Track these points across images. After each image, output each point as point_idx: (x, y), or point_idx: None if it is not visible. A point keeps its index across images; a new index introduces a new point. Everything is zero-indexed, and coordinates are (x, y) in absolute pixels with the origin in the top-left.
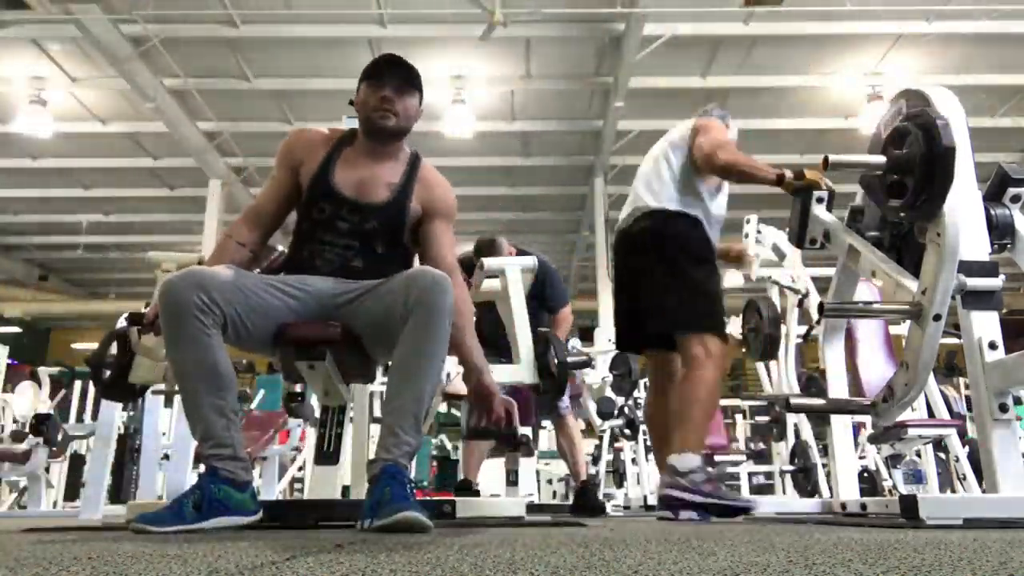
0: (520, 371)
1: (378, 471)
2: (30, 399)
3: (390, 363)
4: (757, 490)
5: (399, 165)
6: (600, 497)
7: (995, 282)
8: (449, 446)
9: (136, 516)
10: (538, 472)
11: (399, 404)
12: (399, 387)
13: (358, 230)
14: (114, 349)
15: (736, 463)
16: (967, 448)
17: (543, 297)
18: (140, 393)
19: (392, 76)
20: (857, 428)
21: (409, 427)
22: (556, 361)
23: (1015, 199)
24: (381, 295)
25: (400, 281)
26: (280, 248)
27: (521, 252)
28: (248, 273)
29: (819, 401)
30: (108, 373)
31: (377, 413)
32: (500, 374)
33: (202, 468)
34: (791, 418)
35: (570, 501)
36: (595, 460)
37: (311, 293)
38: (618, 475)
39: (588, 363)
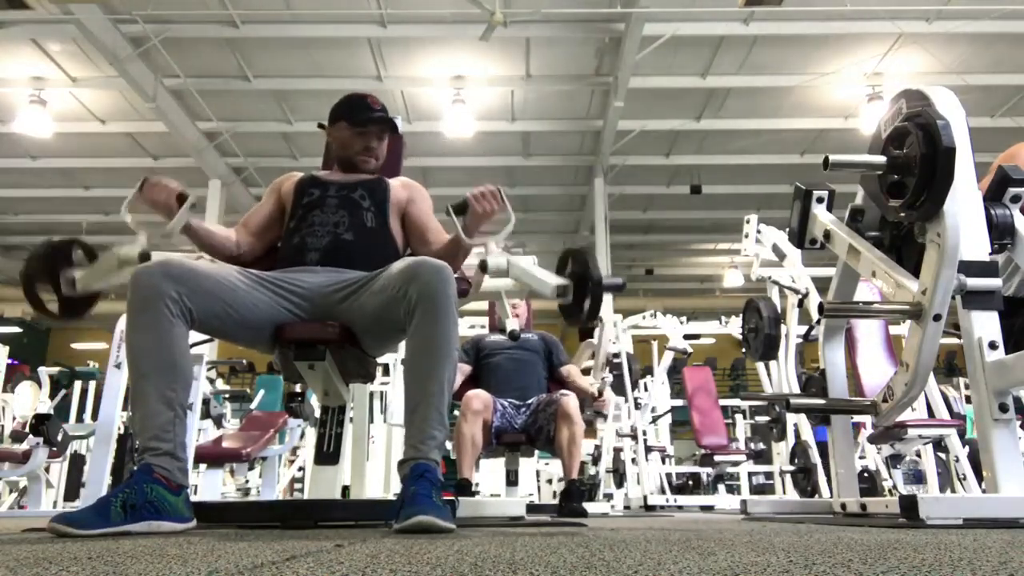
0: (546, 273)
1: (408, 471)
2: (30, 399)
3: (403, 359)
4: (757, 490)
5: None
6: (587, 498)
7: (995, 282)
8: (449, 446)
9: (56, 516)
10: (538, 472)
11: (421, 399)
12: (418, 383)
13: (347, 200)
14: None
15: (736, 463)
16: (967, 448)
17: (551, 364)
18: (91, 305)
19: (377, 126)
20: (857, 428)
21: (435, 421)
22: (591, 276)
23: (1015, 199)
24: (377, 291)
25: (397, 275)
26: None
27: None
28: (232, 267)
29: (819, 401)
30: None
31: (377, 413)
32: (525, 264)
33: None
34: (791, 418)
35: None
36: (595, 460)
37: (305, 292)
38: (618, 475)
39: (623, 286)
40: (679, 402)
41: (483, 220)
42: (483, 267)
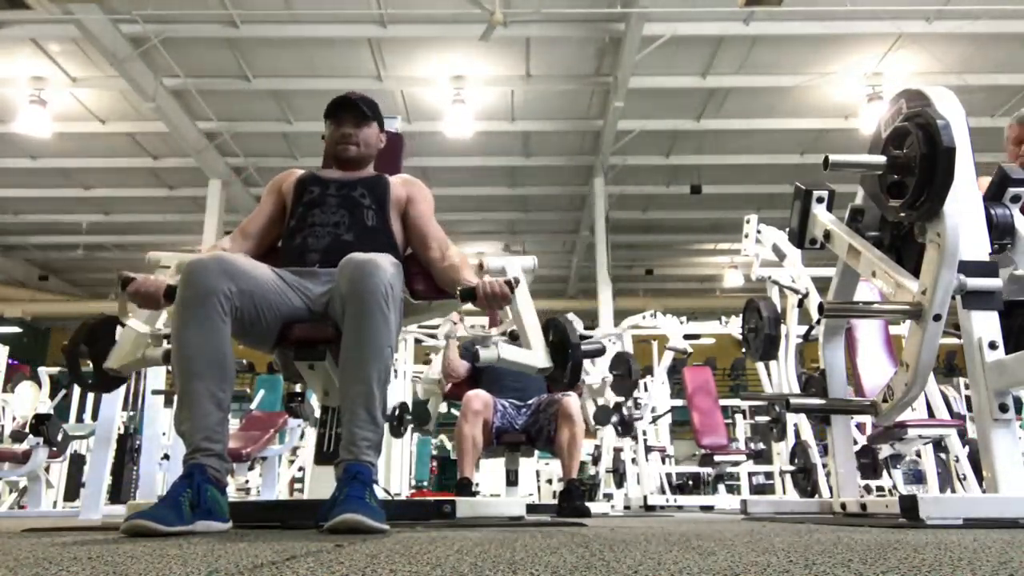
0: (533, 355)
1: (341, 472)
2: (30, 399)
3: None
4: (757, 490)
5: (372, 171)
6: (587, 498)
7: (995, 282)
8: (449, 446)
9: (134, 513)
10: (538, 472)
11: (349, 401)
12: (345, 383)
13: (347, 199)
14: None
15: (736, 463)
16: (967, 448)
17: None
18: (122, 381)
19: (348, 114)
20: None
21: (363, 422)
22: (570, 346)
23: (1015, 199)
24: (334, 290)
25: (337, 271)
26: None
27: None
28: (266, 267)
29: (819, 401)
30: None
31: None
32: (513, 354)
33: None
34: (791, 418)
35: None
36: (595, 460)
37: (309, 299)
38: (618, 475)
39: (602, 351)
40: (679, 402)
41: (487, 308)
42: (475, 358)
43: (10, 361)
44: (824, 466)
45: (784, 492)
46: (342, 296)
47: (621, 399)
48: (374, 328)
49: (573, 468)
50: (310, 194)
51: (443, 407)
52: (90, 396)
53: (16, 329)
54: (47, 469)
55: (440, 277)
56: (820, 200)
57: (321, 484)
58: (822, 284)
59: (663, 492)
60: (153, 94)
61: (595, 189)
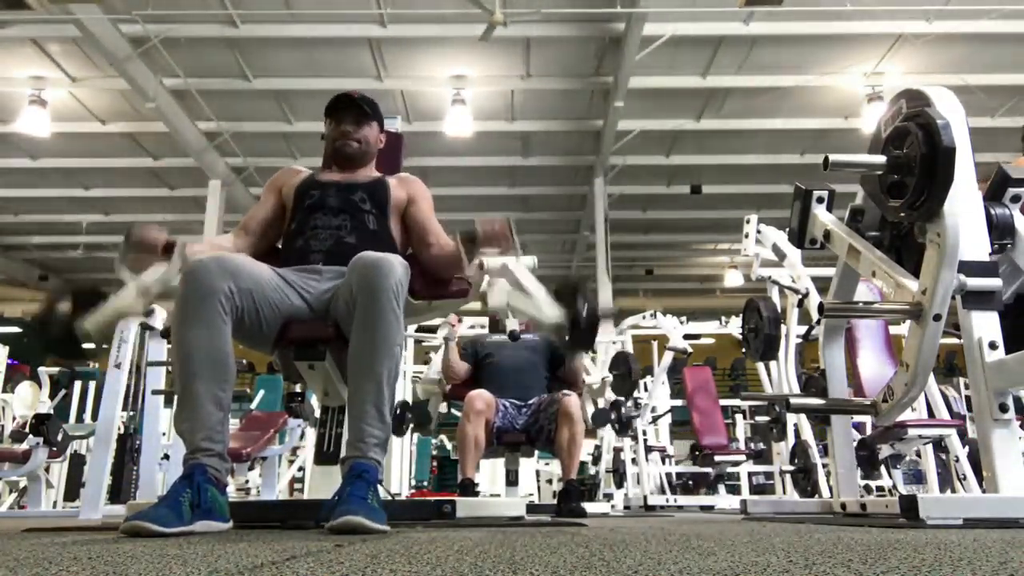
0: (543, 307)
1: (347, 470)
2: (30, 399)
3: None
4: (757, 490)
5: (373, 172)
6: (587, 498)
7: (995, 282)
8: (449, 446)
9: (133, 514)
10: (538, 472)
11: (358, 398)
12: (355, 380)
13: (348, 202)
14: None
15: (736, 463)
16: (967, 448)
17: (553, 364)
18: (83, 355)
19: (349, 112)
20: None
21: (372, 419)
22: (586, 307)
23: (1015, 199)
24: (341, 288)
25: (347, 270)
26: None
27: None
28: (265, 266)
29: (819, 401)
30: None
31: None
32: (523, 303)
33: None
34: (791, 418)
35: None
36: (595, 460)
37: (310, 295)
38: (618, 475)
39: (616, 314)
40: (679, 402)
41: (488, 251)
42: (483, 301)
43: (10, 361)
44: (824, 466)
45: (784, 492)
46: (351, 293)
47: (621, 398)
48: (385, 326)
49: (573, 468)
50: (311, 198)
51: (443, 407)
52: (90, 396)
53: (16, 329)
54: (47, 469)
55: (437, 262)
56: (820, 200)
57: (321, 484)
58: (822, 284)
59: (663, 492)
60: (153, 94)
61: (595, 189)
